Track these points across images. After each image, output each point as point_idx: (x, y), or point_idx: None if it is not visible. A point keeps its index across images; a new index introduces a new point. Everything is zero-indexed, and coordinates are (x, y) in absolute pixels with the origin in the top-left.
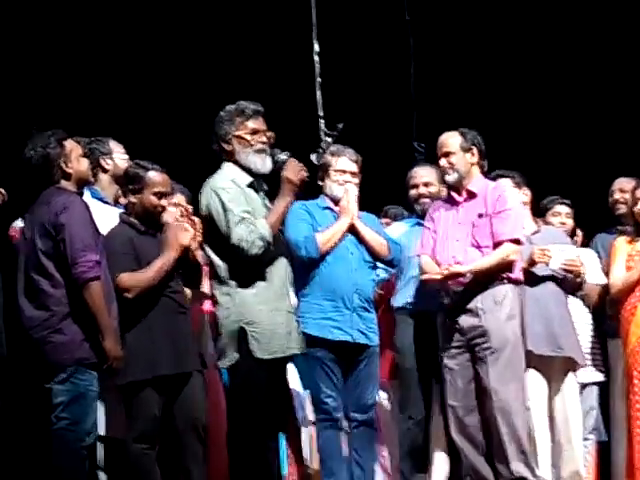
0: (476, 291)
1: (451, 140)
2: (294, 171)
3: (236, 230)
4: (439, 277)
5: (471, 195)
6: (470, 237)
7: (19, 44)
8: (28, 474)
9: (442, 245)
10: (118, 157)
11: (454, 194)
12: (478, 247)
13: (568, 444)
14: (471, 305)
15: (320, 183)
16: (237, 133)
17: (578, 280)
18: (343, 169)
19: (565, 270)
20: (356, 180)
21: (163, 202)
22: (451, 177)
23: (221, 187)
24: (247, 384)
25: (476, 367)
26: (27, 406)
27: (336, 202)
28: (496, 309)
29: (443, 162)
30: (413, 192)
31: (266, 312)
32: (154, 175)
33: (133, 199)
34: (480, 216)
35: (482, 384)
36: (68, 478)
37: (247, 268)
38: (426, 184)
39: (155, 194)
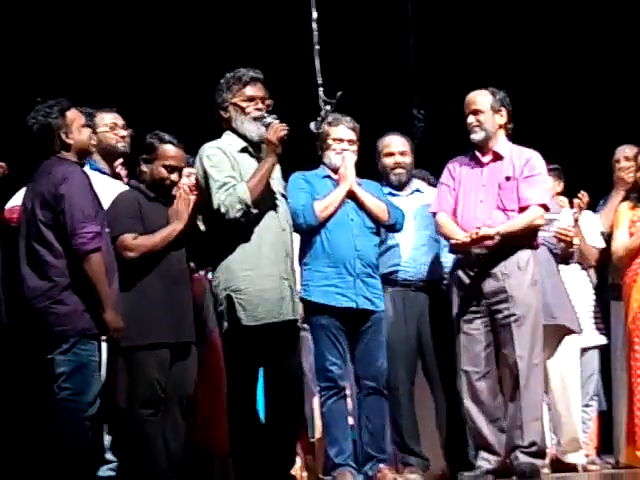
0: (499, 255)
1: (481, 98)
2: (274, 132)
3: (216, 195)
4: (468, 240)
5: (497, 157)
6: (496, 199)
7: (21, 13)
8: (30, 445)
9: (465, 205)
10: (103, 131)
11: (478, 154)
12: (504, 210)
13: (566, 411)
14: (495, 270)
15: (319, 153)
16: (234, 100)
17: (570, 250)
18: (341, 137)
19: (557, 239)
20: (354, 147)
21: (173, 176)
22: (478, 135)
23: (205, 155)
24: (237, 352)
25: (496, 333)
26: (28, 376)
27: (335, 171)
28: (520, 274)
29: (471, 119)
30: (389, 161)
31: (253, 278)
32: (167, 148)
33: (145, 168)
34: (507, 179)
35: (503, 351)
36: (71, 448)
37: (232, 234)
38: (402, 153)
39: (165, 167)
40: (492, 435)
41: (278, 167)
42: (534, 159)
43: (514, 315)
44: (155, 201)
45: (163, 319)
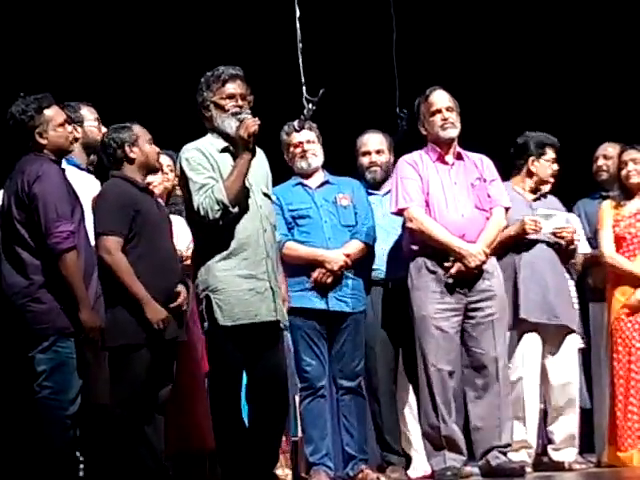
0: None
1: (451, 98)
2: (245, 128)
3: (195, 197)
4: (466, 269)
5: (459, 158)
6: (473, 198)
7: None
8: (12, 443)
9: (437, 202)
10: (89, 125)
11: (443, 153)
12: (481, 210)
13: (565, 408)
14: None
15: (289, 163)
16: (214, 99)
17: (571, 247)
18: (299, 141)
19: (555, 237)
20: (315, 146)
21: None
22: (454, 132)
23: (184, 157)
24: (215, 352)
25: (470, 331)
26: (9, 374)
27: (305, 175)
28: (498, 273)
29: (448, 115)
30: (365, 160)
31: (231, 278)
32: (133, 129)
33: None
34: (479, 180)
35: (477, 349)
36: (53, 446)
37: (212, 234)
38: (378, 151)
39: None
40: (459, 435)
41: (267, 165)
42: (491, 163)
43: (496, 314)
44: (145, 191)
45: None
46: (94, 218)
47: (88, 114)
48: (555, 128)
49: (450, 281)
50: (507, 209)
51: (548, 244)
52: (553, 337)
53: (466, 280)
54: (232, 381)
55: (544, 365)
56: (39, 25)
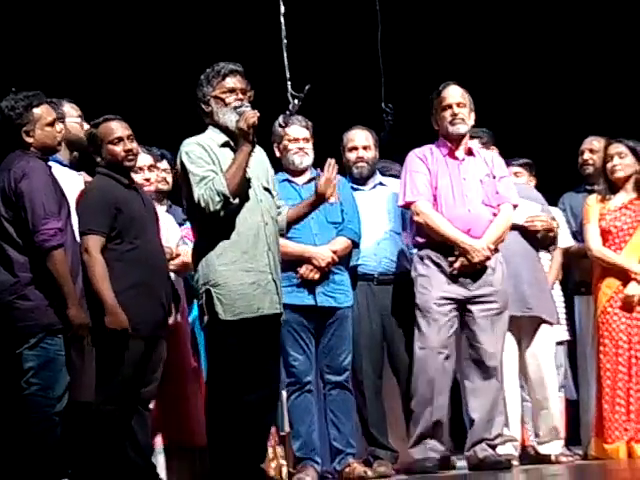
0: None
1: (464, 93)
2: (244, 119)
3: (195, 190)
4: (469, 263)
5: (469, 153)
6: (481, 194)
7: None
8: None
9: (446, 197)
10: (71, 121)
11: (454, 148)
12: (488, 206)
13: (545, 401)
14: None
15: (278, 155)
16: (214, 93)
17: (551, 234)
18: (296, 137)
19: (529, 226)
20: (309, 145)
21: (122, 147)
22: (463, 128)
23: (185, 151)
24: (216, 346)
25: (470, 325)
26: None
27: (296, 172)
28: (500, 268)
29: (458, 110)
30: (351, 155)
31: (232, 272)
32: (105, 126)
33: (99, 159)
34: (488, 176)
35: (476, 343)
36: (40, 444)
37: (212, 228)
38: (365, 147)
39: (113, 142)
40: (444, 422)
41: (267, 161)
42: (502, 161)
43: (496, 310)
44: (130, 188)
45: (143, 312)
46: (78, 216)
47: (72, 111)
48: (540, 122)
49: (454, 273)
50: (515, 206)
51: (521, 233)
52: (528, 329)
53: (469, 274)
54: (232, 376)
55: (524, 358)
56: (37, 21)
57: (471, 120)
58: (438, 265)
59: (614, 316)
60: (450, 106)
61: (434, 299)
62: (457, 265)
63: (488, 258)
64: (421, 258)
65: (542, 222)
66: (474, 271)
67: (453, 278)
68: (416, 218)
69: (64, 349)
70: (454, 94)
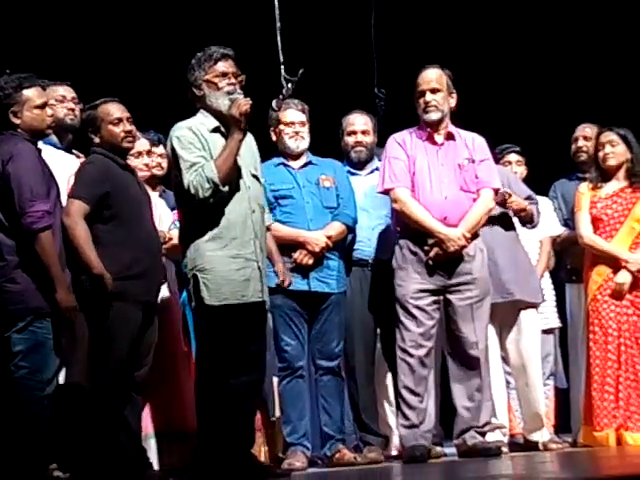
0: None
1: (439, 78)
2: (237, 107)
3: (186, 176)
4: (444, 253)
5: (449, 137)
6: (459, 179)
7: None
8: None
9: (422, 184)
10: (51, 104)
11: (433, 133)
12: (467, 191)
13: (527, 387)
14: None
15: (274, 139)
16: (206, 77)
17: (523, 214)
18: (292, 120)
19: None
20: (305, 129)
21: (122, 127)
22: (435, 115)
23: (175, 135)
24: (202, 331)
25: (451, 314)
26: None
27: (291, 155)
28: (481, 256)
29: (430, 98)
30: (350, 139)
31: (220, 258)
32: (105, 107)
33: (97, 139)
34: (468, 160)
35: (458, 333)
36: (30, 427)
37: (201, 214)
38: (364, 132)
39: (113, 123)
40: (432, 411)
41: (255, 147)
42: (483, 143)
43: (475, 297)
44: (126, 170)
45: (138, 285)
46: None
47: (66, 94)
48: (532, 109)
49: (430, 263)
50: (496, 191)
51: (494, 218)
52: (509, 316)
53: (447, 263)
54: (219, 360)
55: (506, 346)
56: (33, 5)
57: (449, 104)
58: (416, 255)
59: (604, 304)
60: (423, 93)
61: (411, 293)
62: (432, 254)
63: (464, 247)
64: (400, 248)
65: (514, 202)
66: (450, 260)
67: (430, 268)
68: (394, 205)
69: (52, 332)
70: (428, 79)
